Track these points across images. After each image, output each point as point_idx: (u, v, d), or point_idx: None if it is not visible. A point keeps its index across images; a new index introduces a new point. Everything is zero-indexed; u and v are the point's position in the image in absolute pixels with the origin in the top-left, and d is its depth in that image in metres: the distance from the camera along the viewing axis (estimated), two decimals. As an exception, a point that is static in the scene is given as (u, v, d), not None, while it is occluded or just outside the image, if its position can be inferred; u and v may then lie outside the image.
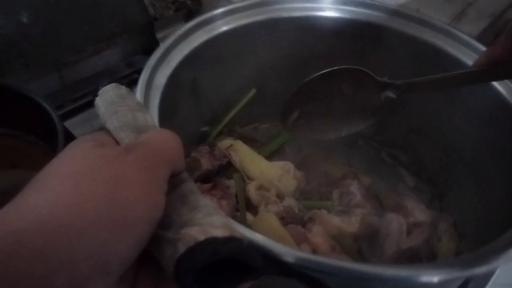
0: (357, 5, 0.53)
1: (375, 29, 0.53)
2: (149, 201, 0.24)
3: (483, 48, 0.49)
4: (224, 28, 0.50)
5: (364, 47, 0.54)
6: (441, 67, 0.51)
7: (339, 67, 0.46)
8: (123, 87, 0.34)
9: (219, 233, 0.25)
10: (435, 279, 0.30)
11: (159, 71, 0.44)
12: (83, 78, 0.70)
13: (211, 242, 0.24)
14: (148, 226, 0.24)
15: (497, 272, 0.46)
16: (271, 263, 0.31)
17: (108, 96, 0.33)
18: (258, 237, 0.32)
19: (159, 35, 0.72)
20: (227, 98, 0.58)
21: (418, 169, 0.61)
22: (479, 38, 0.52)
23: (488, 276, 0.47)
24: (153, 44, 0.71)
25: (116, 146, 0.29)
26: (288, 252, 0.31)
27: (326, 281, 0.31)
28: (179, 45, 0.47)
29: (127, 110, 0.32)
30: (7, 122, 0.50)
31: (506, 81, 0.47)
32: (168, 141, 0.29)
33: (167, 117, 0.43)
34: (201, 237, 0.24)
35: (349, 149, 0.63)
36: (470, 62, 0.48)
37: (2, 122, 0.50)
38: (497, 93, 0.47)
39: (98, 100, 0.33)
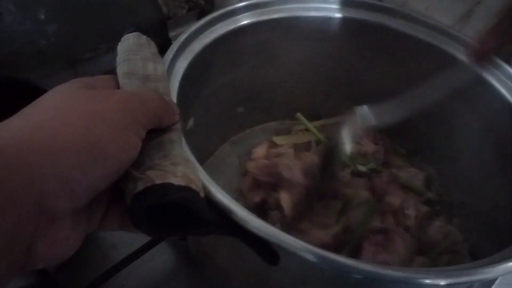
0: (373, 8, 0.52)
1: (387, 32, 0.52)
2: (121, 141, 0.25)
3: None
4: (244, 23, 0.49)
5: (375, 50, 0.54)
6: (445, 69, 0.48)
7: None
8: (144, 36, 0.34)
9: (175, 181, 0.26)
10: (442, 282, 0.29)
11: (179, 59, 0.43)
12: (98, 75, 0.68)
13: (165, 186, 0.26)
14: (118, 162, 0.25)
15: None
16: (225, 223, 0.30)
17: (127, 43, 0.33)
18: (219, 195, 0.31)
19: (171, 34, 0.70)
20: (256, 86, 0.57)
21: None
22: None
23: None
24: (165, 43, 0.69)
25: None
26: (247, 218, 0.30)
27: (277, 250, 0.30)
28: (199, 36, 0.46)
29: (139, 59, 0.32)
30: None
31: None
32: (156, 98, 0.30)
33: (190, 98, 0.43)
34: (158, 181, 0.26)
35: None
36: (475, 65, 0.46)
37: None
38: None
39: (118, 46, 0.34)
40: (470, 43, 0.41)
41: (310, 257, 0.29)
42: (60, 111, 0.25)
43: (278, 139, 0.59)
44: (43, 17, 0.60)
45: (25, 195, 0.21)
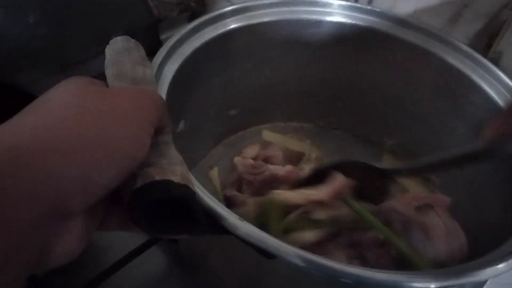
0: (362, 11, 0.52)
1: (377, 35, 0.52)
2: (135, 140, 0.25)
3: (476, 54, 0.48)
4: (233, 26, 0.48)
5: (364, 53, 0.54)
6: (439, 75, 0.50)
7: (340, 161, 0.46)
8: (133, 40, 0.35)
9: (175, 179, 0.26)
10: (432, 285, 0.29)
11: (168, 63, 0.43)
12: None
13: (166, 183, 0.26)
14: (131, 161, 0.25)
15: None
16: (215, 225, 0.31)
17: (115, 46, 0.33)
18: (210, 200, 0.31)
19: (162, 37, 0.70)
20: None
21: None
22: (475, 39, 0.50)
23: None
24: (156, 45, 0.68)
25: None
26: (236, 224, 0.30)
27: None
28: (188, 40, 0.45)
29: (128, 62, 0.32)
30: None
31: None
32: (159, 97, 0.30)
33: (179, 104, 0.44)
34: (158, 177, 0.26)
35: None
36: (464, 68, 0.47)
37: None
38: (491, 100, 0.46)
39: (106, 49, 0.34)
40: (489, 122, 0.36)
41: (298, 261, 0.29)
42: (73, 108, 0.24)
43: (268, 135, 0.59)
44: (32, 20, 0.59)
45: (40, 195, 0.21)
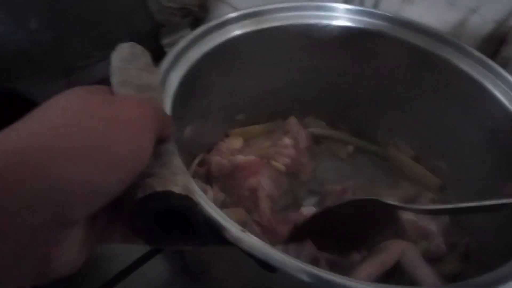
0: (370, 15, 0.51)
1: (385, 39, 0.51)
2: (138, 146, 0.25)
3: (488, 60, 0.47)
4: (237, 33, 0.48)
5: (373, 57, 0.53)
6: (449, 80, 0.49)
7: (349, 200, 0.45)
8: (139, 46, 0.34)
9: (176, 189, 0.26)
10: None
11: (174, 70, 0.42)
12: (92, 83, 0.66)
13: (167, 194, 0.25)
14: (134, 168, 0.25)
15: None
16: (217, 235, 0.30)
17: (121, 52, 0.33)
18: (212, 210, 0.31)
19: (164, 42, 0.69)
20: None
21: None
22: (482, 45, 0.49)
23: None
24: (158, 51, 0.68)
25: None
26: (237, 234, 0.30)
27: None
28: (192, 48, 0.45)
29: (134, 69, 0.32)
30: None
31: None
32: (161, 108, 0.31)
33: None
34: (159, 188, 0.25)
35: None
36: (474, 74, 0.46)
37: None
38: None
39: (112, 55, 0.33)
40: None
41: (304, 277, 0.28)
42: (76, 114, 0.24)
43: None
44: (35, 26, 0.59)
45: (42, 202, 0.20)
